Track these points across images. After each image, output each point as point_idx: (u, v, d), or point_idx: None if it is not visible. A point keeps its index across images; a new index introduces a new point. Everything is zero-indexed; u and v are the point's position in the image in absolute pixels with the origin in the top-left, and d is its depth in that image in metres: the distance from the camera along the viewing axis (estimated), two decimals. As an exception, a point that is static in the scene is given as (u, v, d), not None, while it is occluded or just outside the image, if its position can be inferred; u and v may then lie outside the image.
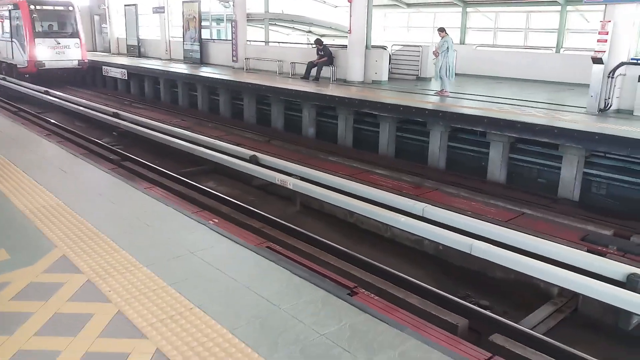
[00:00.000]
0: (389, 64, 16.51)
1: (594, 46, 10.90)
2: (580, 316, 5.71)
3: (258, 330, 3.22)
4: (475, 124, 10.14)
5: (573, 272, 5.48)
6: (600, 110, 10.77)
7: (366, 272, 6.00)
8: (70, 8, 22.09)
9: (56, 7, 21.99)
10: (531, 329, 5.14)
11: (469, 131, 10.52)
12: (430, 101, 12.18)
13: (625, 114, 10.72)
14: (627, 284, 5.24)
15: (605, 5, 10.98)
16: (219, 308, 3.47)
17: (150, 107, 18.17)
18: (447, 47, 12.79)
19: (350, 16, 15.51)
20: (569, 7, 17.79)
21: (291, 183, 8.34)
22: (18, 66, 21.71)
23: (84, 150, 10.55)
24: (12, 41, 21.98)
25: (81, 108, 15.70)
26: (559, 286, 5.66)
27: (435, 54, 13.21)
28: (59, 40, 21.55)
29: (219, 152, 10.32)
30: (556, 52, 17.90)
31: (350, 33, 15.67)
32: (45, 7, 21.58)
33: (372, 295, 5.31)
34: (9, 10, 21.93)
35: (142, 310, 3.42)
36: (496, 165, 9.98)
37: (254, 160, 9.63)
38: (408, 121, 11.58)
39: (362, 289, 5.39)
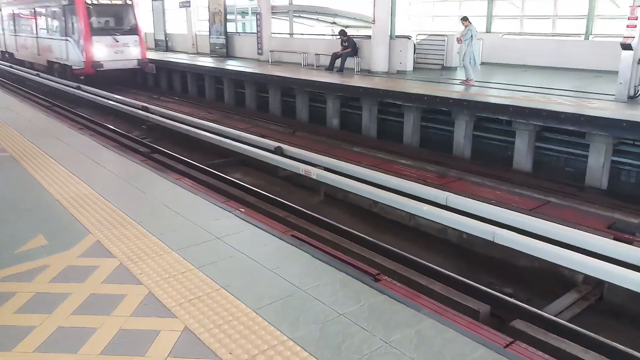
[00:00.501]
0: (414, 53, 16.43)
1: (624, 32, 10.67)
2: (606, 304, 5.69)
3: (280, 309, 3.36)
4: (501, 112, 10.07)
5: (598, 260, 5.45)
6: (629, 97, 10.55)
7: (389, 260, 6.08)
8: (129, 2, 20.10)
9: (114, 1, 20.04)
10: (555, 316, 5.15)
11: (494, 120, 10.45)
12: (455, 90, 12.12)
13: (656, 100, 10.48)
14: (652, 270, 5.21)
15: (636, -11, 10.72)
16: (243, 289, 3.62)
17: (178, 100, 18.52)
18: (471, 36, 12.68)
19: (374, 6, 15.49)
20: (599, -7, 17.35)
21: (315, 173, 8.45)
22: (73, 67, 19.77)
23: (114, 143, 10.84)
24: (66, 40, 20.08)
25: (111, 102, 16.11)
26: (584, 274, 5.64)
27: (459, 40, 13.11)
28: (118, 37, 19.57)
29: (244, 144, 10.50)
30: (585, 38, 17.50)
31: (374, 23, 15.65)
32: (102, 1, 19.68)
33: (395, 282, 5.40)
34: (63, 6, 20.05)
35: (171, 292, 3.60)
36: (522, 154, 9.91)
37: (278, 151, 9.78)
38: (432, 111, 11.56)
39: (384, 276, 5.48)
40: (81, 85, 18.55)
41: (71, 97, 18.31)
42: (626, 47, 10.45)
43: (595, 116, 8.85)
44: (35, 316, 3.34)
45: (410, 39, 16.35)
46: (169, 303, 3.46)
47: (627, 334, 5.10)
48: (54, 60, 21.64)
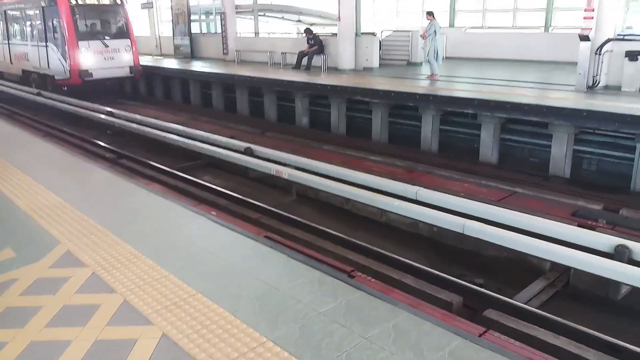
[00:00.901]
0: (380, 50, 16.59)
1: (581, 24, 11.01)
2: (572, 289, 5.88)
3: (258, 311, 3.38)
4: (466, 106, 10.28)
5: (564, 247, 5.63)
6: (588, 87, 10.91)
7: (363, 256, 6.16)
8: (119, 1, 17.94)
9: (102, 1, 17.76)
10: (525, 304, 5.31)
11: (460, 114, 10.66)
12: (421, 85, 12.30)
13: (613, 89, 10.87)
14: (615, 255, 5.41)
15: (591, -18, 11.06)
16: (220, 292, 3.62)
17: (143, 104, 18.22)
18: (435, 31, 12.88)
19: (339, 4, 15.56)
20: (556, -14, 17.83)
21: (286, 173, 8.47)
22: (56, 77, 17.54)
23: (80, 150, 10.65)
24: (46, 46, 17.71)
25: (74, 108, 15.75)
26: (551, 261, 5.82)
27: (423, 37, 13.30)
28: (108, 42, 17.31)
29: (213, 146, 10.43)
30: (545, 31, 17.97)
31: (339, 21, 15.73)
32: (89, 2, 17.38)
33: (369, 278, 5.47)
34: (42, 8, 17.57)
35: (147, 299, 3.57)
36: (488, 146, 10.14)
37: (248, 152, 9.75)
38: (400, 106, 11.70)
39: (359, 272, 5.55)
40: (42, 92, 17.74)
41: (32, 104, 17.83)
42: (584, 38, 10.80)
43: (557, 107, 9.13)
44: (7, 331, 3.27)
45: (375, 35, 16.51)
46: (145, 310, 3.43)
47: (593, 317, 5.29)
48: (31, 69, 19.33)
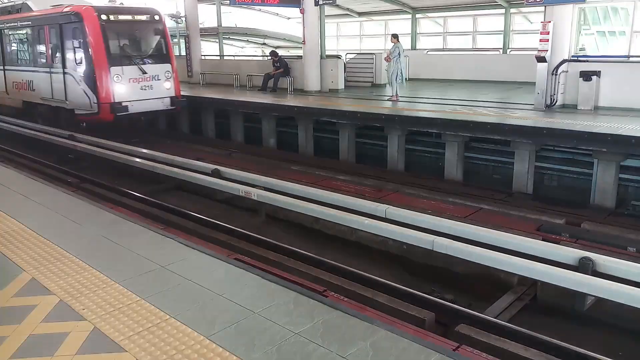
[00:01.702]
0: (345, 72, 16.83)
1: (538, 46, 11.47)
2: (540, 302, 6.01)
3: (233, 334, 3.33)
4: (430, 126, 10.50)
5: (530, 261, 5.77)
6: (547, 106, 11.32)
7: (335, 276, 6.16)
8: (157, 17, 14.25)
9: (137, 17, 13.96)
10: (495, 318, 5.39)
11: (424, 133, 10.87)
12: (386, 106, 12.51)
13: (570, 108, 11.30)
14: (580, 267, 5.56)
15: (545, 6, 11.58)
16: (194, 316, 3.55)
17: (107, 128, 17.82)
18: (399, 53, 13.17)
19: (304, 27, 15.76)
20: (512, 10, 18.54)
21: (255, 194, 8.43)
22: (76, 111, 13.86)
23: (41, 175, 10.34)
24: (63, 73, 13.87)
25: (35, 132, 15.32)
26: (519, 275, 5.95)
27: (387, 59, 13.58)
28: (145, 67, 13.65)
29: (180, 168, 10.30)
30: (503, 52, 18.62)
31: (304, 43, 15.91)
32: (122, 17, 13.65)
33: (342, 297, 5.47)
34: (59, 26, 13.83)
35: (118, 325, 3.47)
36: (452, 165, 10.35)
37: (216, 174, 9.66)
38: (366, 127, 11.86)
39: (331, 292, 5.55)
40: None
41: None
42: (541, 59, 11.24)
43: (518, 125, 9.43)
44: (-31, 364, 3.12)
45: (340, 58, 16.75)
46: (117, 337, 3.34)
47: (561, 329, 5.41)
48: (38, 101, 15.54)
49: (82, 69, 13.36)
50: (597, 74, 11.01)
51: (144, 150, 12.02)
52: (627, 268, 5.38)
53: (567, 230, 7.27)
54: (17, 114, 16.95)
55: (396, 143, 11.20)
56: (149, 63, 13.85)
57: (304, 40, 15.88)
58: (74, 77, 13.64)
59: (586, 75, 11.03)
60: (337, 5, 19.83)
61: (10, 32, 16.57)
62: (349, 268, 6.38)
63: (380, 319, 4.77)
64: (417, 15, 21.44)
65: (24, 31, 15.79)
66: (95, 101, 13.13)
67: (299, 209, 7.89)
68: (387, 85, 15.38)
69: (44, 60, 14.85)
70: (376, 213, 7.40)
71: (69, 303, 3.80)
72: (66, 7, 13.77)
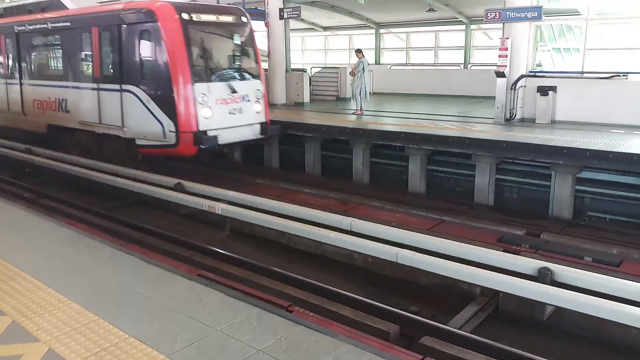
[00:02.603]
0: (310, 85, 16.93)
1: (497, 61, 11.81)
2: (502, 312, 6.11)
3: (195, 352, 3.25)
4: (394, 139, 10.64)
5: (492, 272, 5.86)
6: (506, 120, 11.64)
7: (300, 290, 6.12)
8: (244, 19, 11.09)
9: (222, 18, 10.70)
10: (458, 329, 5.45)
11: (388, 147, 10.99)
12: (350, 120, 12.62)
13: (528, 122, 11.64)
14: (539, 277, 5.69)
15: (503, 23, 11.95)
16: (154, 335, 3.46)
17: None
18: (363, 68, 13.34)
19: (269, 40, 15.81)
20: (472, 26, 19.08)
21: (219, 208, 8.33)
22: (140, 142, 10.47)
23: (-5, 190, 9.98)
24: (121, 90, 10.46)
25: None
26: (481, 286, 6.04)
27: (352, 74, 13.73)
28: (235, 85, 10.49)
29: (142, 183, 10.08)
30: (464, 67, 19.10)
31: (269, 57, 15.94)
32: (207, 18, 10.40)
33: (307, 312, 5.44)
34: (119, 27, 10.40)
35: (75, 346, 3.35)
36: (416, 177, 10.49)
37: (179, 188, 9.51)
38: (332, 140, 11.92)
39: (296, 306, 5.51)
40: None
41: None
42: (500, 74, 11.58)
43: (479, 138, 9.65)
44: None
45: (305, 71, 16.85)
46: (73, 358, 3.21)
47: (522, 339, 5.51)
48: (75, 126, 11.88)
49: (152, 86, 9.98)
50: (554, 89, 11.40)
51: (105, 165, 11.73)
52: (583, 277, 5.53)
53: (527, 241, 7.44)
54: (35, 140, 13.31)
55: (361, 156, 11.29)
56: (238, 79, 10.61)
57: (269, 54, 15.91)
58: (137, 97, 10.12)
59: (543, 90, 11.41)
60: (302, 20, 20.03)
61: (31, 36, 13.00)
62: (314, 282, 6.35)
63: (345, 332, 4.76)
64: (381, 31, 21.84)
65: (55, 35, 12.37)
66: (173, 129, 9.73)
67: (264, 223, 7.83)
68: (352, 99, 15.53)
69: (87, 73, 11.34)
70: (341, 226, 7.40)
71: (22, 324, 3.65)
72: (130, 2, 10.49)
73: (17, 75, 13.50)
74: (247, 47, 11.03)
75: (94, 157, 11.52)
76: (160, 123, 9.89)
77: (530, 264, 5.86)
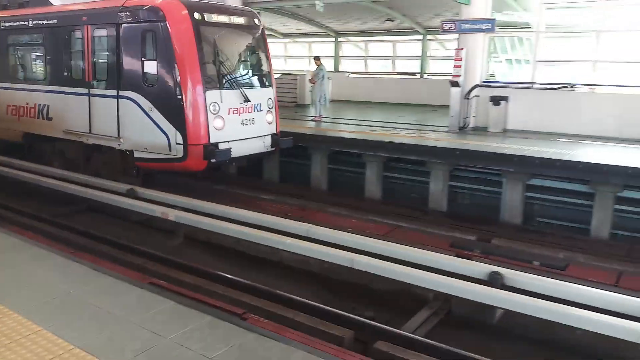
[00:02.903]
0: (268, 91, 16.84)
1: (452, 71, 12.11)
2: (455, 316, 6.22)
3: (144, 362, 3.18)
4: (351, 146, 10.73)
5: (444, 276, 5.98)
6: (460, 128, 11.92)
7: (255, 297, 6.06)
8: (256, 21, 10.19)
9: (235, 19, 9.72)
10: (412, 334, 5.51)
11: (346, 153, 11.08)
12: (309, 127, 12.65)
13: (481, 130, 11.96)
14: (490, 281, 5.84)
15: (458, 34, 12.28)
16: (101, 345, 3.35)
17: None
18: (322, 75, 13.41)
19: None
20: (429, 36, 19.51)
21: (173, 215, 8.18)
22: (139, 155, 9.44)
23: None
24: (118, 96, 9.44)
25: None
26: (434, 290, 6.14)
27: (312, 81, 13.79)
28: (248, 92, 9.54)
29: (92, 188, 9.79)
30: (420, 77, 19.49)
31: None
32: (218, 18, 9.36)
33: (262, 319, 5.38)
34: (118, 26, 9.36)
35: (16, 359, 3.20)
36: (372, 184, 10.61)
37: (131, 194, 9.28)
38: (290, 147, 11.89)
39: (251, 314, 5.44)
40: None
41: None
42: (455, 84, 11.87)
43: (433, 146, 9.85)
44: None
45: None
46: (12, 372, 3.08)
47: (474, 342, 5.61)
48: (59, 135, 10.80)
49: (156, 92, 8.94)
50: (506, 99, 11.77)
51: (55, 170, 11.33)
52: (532, 281, 5.71)
53: (478, 246, 7.63)
54: (6, 150, 12.06)
55: (319, 163, 11.33)
56: (251, 87, 9.77)
57: (227, 60, 15.73)
58: (138, 104, 9.07)
59: (495, 100, 11.76)
60: (261, 26, 19.93)
61: (6, 35, 11.93)
62: (269, 289, 6.31)
63: (300, 339, 4.73)
64: (340, 39, 22.03)
65: (36, 33, 11.22)
66: (180, 141, 8.70)
67: (220, 229, 7.74)
68: (311, 106, 15.60)
69: (76, 77, 10.23)
70: (299, 232, 7.40)
71: (-42, 336, 3.47)
72: None
73: None
74: (259, 52, 10.19)
75: (79, 169, 10.57)
76: (165, 134, 8.86)
77: (481, 268, 6.00)
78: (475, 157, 9.38)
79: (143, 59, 9.11)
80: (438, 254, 6.61)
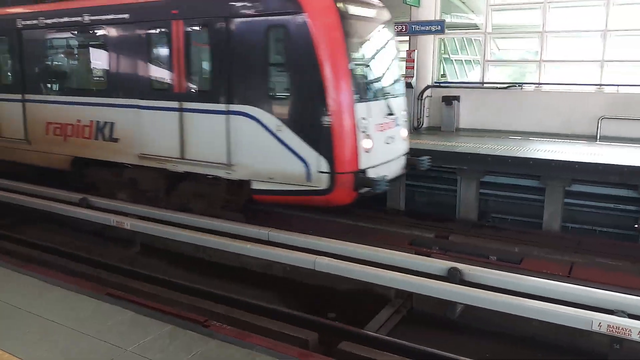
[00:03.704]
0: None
1: (404, 72, 12.29)
2: (416, 313, 6.30)
3: (102, 376, 3.06)
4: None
5: (404, 274, 6.04)
6: (414, 128, 12.12)
7: (216, 304, 5.97)
8: (388, 14, 8.42)
9: (374, 12, 7.99)
10: (375, 332, 5.55)
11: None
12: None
13: (435, 130, 12.21)
14: (449, 277, 5.94)
15: (409, 36, 12.49)
16: (55, 361, 3.22)
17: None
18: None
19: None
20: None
21: (128, 223, 7.96)
22: (259, 186, 7.45)
23: None
24: (229, 112, 7.41)
25: None
26: (395, 288, 6.20)
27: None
28: (391, 103, 7.79)
29: (42, 198, 9.41)
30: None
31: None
32: (362, 11, 7.65)
33: (224, 325, 5.30)
34: (225, 21, 7.32)
35: (-39, 380, 3.04)
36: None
37: (84, 203, 8.98)
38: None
39: (213, 321, 5.35)
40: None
41: None
42: (408, 85, 12.05)
43: (390, 146, 9.93)
44: None
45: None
46: (-41, 395, 2.91)
47: (436, 338, 5.69)
48: (134, 161, 8.51)
49: (286, 106, 7.11)
50: (457, 98, 12.05)
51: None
52: (489, 276, 5.84)
53: (436, 244, 7.77)
54: (40, 179, 10.03)
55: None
56: (392, 96, 7.92)
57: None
58: (259, 122, 7.15)
59: (447, 100, 12.02)
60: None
61: (47, 34, 9.47)
62: (230, 295, 6.22)
63: (264, 343, 4.67)
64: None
65: (95, 31, 8.80)
66: (325, 169, 6.86)
67: (178, 237, 7.59)
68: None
69: (159, 87, 8.10)
70: (259, 237, 7.34)
71: None
72: None
73: (18, 88, 9.83)
74: (394, 53, 8.44)
75: (156, 203, 8.54)
76: (302, 160, 6.94)
77: (440, 265, 6.10)
78: (430, 156, 9.53)
79: (268, 63, 7.20)
80: (397, 252, 6.68)
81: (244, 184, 7.61)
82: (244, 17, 7.18)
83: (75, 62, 9.62)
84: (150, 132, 8.15)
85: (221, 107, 7.41)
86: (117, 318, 3.80)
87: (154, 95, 8.09)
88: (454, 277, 5.89)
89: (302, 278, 7.03)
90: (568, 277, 6.58)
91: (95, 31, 8.79)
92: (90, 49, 9.14)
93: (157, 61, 8.15)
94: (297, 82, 7.05)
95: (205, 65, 7.86)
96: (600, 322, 4.78)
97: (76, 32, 9.11)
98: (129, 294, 5.90)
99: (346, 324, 5.66)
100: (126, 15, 8.33)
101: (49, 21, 9.35)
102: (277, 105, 7.12)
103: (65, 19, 9.12)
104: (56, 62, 9.82)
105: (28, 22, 9.62)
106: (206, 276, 7.26)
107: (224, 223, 7.73)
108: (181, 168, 7.96)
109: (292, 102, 7.08)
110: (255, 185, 7.43)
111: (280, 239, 7.22)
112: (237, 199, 8.15)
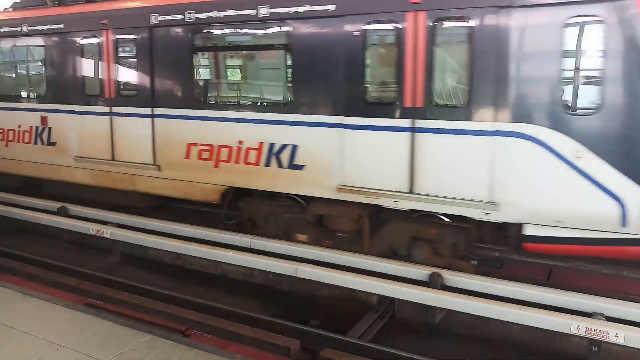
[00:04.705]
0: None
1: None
2: (399, 318, 6.30)
3: (78, 389, 3.00)
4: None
5: (386, 280, 6.04)
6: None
7: (197, 313, 5.89)
8: None
9: None
10: (358, 339, 5.53)
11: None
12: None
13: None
14: (430, 283, 5.96)
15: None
16: (30, 374, 3.15)
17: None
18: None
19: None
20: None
21: (108, 232, 7.86)
22: (535, 231, 5.73)
23: None
24: (494, 132, 5.62)
25: None
26: (377, 294, 6.20)
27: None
28: None
29: (19, 207, 9.22)
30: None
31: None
32: None
33: (205, 334, 5.25)
34: (481, 12, 5.54)
35: None
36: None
37: (62, 212, 8.84)
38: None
39: (194, 330, 5.30)
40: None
41: None
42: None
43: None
44: None
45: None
46: None
47: (419, 343, 5.70)
48: (329, 194, 6.66)
49: (593, 125, 5.38)
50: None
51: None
52: (470, 280, 5.88)
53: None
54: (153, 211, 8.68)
55: None
56: None
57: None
58: (545, 146, 5.54)
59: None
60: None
61: (197, 32, 7.33)
62: (212, 303, 6.15)
63: (246, 352, 4.66)
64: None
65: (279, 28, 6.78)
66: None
67: (157, 245, 7.52)
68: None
69: (370, 99, 6.36)
70: (240, 244, 7.29)
71: None
72: None
73: (146, 100, 7.81)
74: None
75: (351, 247, 6.95)
76: (616, 199, 5.34)
77: (421, 270, 6.11)
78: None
79: (565, 67, 5.40)
80: (379, 258, 6.67)
81: (511, 228, 6.13)
82: (527, 7, 5.44)
83: (250, 69, 7.45)
84: (359, 160, 6.39)
85: (484, 125, 5.71)
86: (95, 328, 3.75)
87: (369, 110, 6.28)
88: (435, 282, 5.92)
89: (285, 286, 7.00)
90: (547, 281, 6.64)
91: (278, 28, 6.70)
92: (252, 49, 7.29)
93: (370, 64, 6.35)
94: (619, 91, 5.25)
95: (455, 73, 6.09)
96: (578, 325, 4.85)
97: (249, 29, 7.03)
98: (107, 304, 5.82)
99: (329, 331, 5.63)
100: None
101: (209, 15, 7.11)
102: (577, 122, 5.41)
103: (231, 12, 6.97)
104: (204, 69, 7.83)
105: (165, 19, 7.44)
106: (187, 284, 7.17)
107: (205, 231, 7.67)
108: (406, 205, 6.27)
109: (604, 119, 5.30)
110: (532, 231, 5.78)
111: (262, 246, 7.18)
112: (488, 247, 6.65)
